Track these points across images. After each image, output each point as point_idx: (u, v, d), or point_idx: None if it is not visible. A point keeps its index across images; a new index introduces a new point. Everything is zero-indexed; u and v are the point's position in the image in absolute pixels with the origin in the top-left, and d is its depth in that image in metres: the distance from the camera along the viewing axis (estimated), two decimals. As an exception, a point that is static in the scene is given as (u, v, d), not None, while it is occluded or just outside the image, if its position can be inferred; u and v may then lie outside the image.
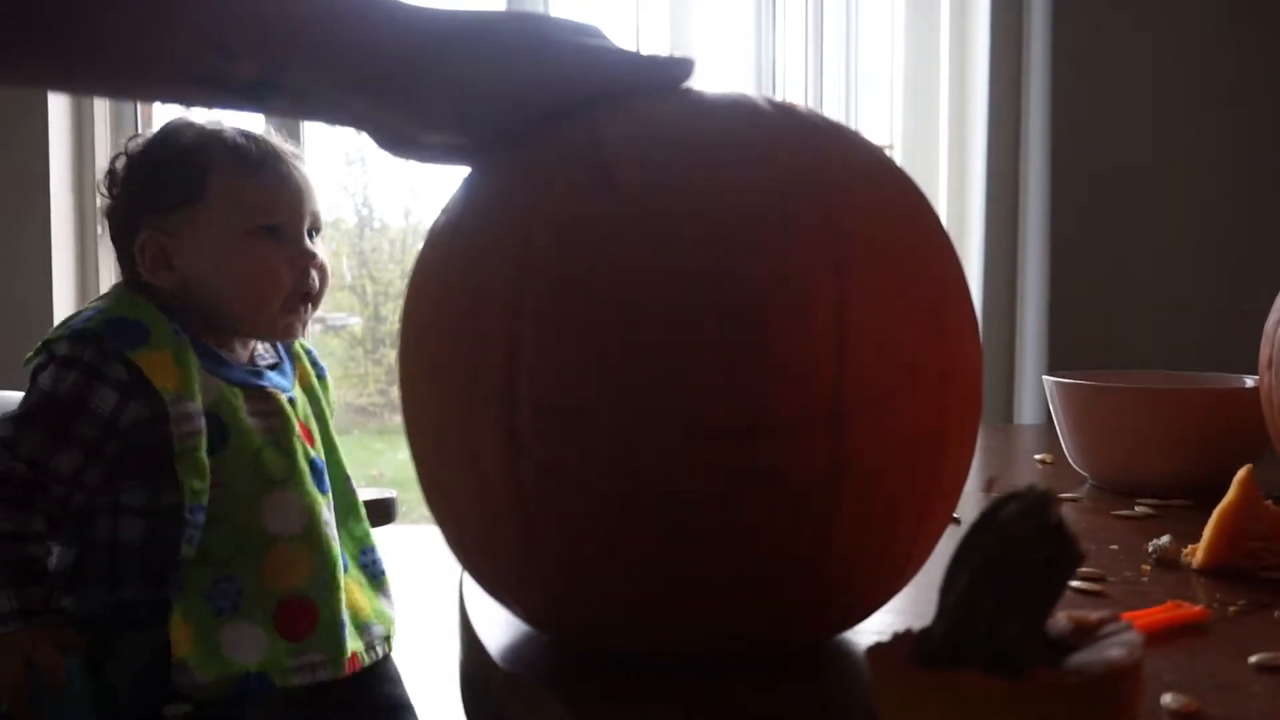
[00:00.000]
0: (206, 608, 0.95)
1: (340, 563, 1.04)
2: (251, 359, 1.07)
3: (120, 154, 1.07)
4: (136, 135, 1.08)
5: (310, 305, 1.07)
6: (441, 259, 0.47)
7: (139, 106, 1.76)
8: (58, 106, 1.70)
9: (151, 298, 1.02)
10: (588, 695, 0.43)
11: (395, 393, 0.50)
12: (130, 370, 0.95)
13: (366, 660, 1.05)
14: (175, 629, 0.93)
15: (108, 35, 0.45)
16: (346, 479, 1.12)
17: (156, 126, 1.08)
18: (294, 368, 1.12)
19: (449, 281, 0.45)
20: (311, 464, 1.05)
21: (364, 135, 0.51)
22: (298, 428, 1.05)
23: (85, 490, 0.96)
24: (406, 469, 0.50)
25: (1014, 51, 1.73)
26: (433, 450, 0.47)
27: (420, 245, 0.49)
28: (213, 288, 1.02)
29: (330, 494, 1.07)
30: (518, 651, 0.48)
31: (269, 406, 1.03)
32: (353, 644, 1.03)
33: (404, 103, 0.47)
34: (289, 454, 1.03)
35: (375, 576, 1.11)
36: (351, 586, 1.08)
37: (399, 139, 0.50)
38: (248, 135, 1.05)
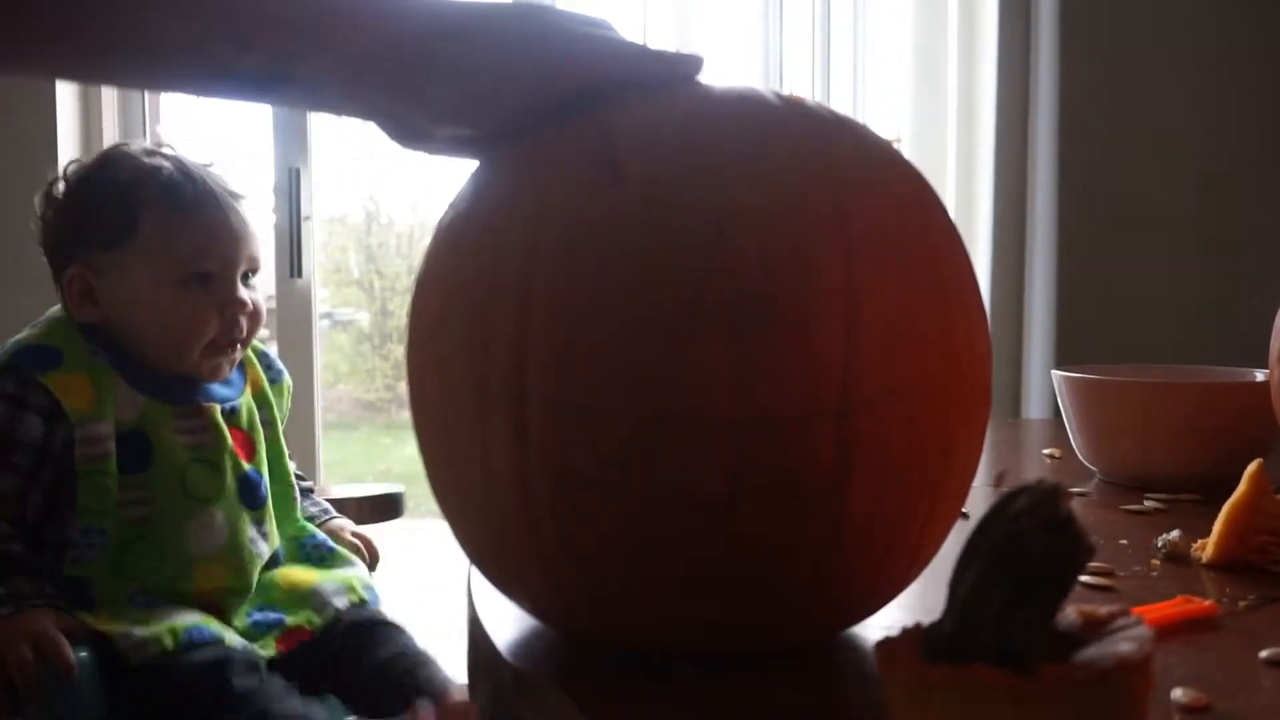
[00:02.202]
0: (126, 608, 0.97)
1: (255, 579, 1.05)
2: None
3: (58, 179, 1.05)
4: (76, 160, 1.07)
5: (240, 347, 1.07)
6: (449, 253, 0.47)
7: (146, 98, 1.76)
8: (65, 98, 1.70)
9: (77, 323, 1.02)
10: (596, 691, 0.43)
11: (403, 388, 0.50)
12: (49, 395, 0.96)
13: (317, 621, 1.06)
14: (100, 624, 0.94)
15: (125, 27, 0.45)
16: (289, 482, 1.13)
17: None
18: (244, 374, 1.11)
19: (456, 276, 0.45)
20: (244, 479, 1.05)
21: (373, 127, 0.51)
22: (230, 442, 1.05)
23: (32, 511, 0.98)
24: (414, 464, 0.50)
25: (1022, 45, 1.73)
26: (441, 445, 0.47)
27: (428, 240, 0.49)
28: (134, 328, 1.02)
29: (267, 505, 1.08)
30: (526, 647, 0.48)
31: (200, 421, 1.03)
32: (291, 618, 1.05)
33: (415, 94, 0.47)
34: (218, 471, 1.03)
35: (322, 558, 1.13)
36: (289, 572, 1.09)
37: (409, 131, 0.50)
38: (186, 173, 1.03)
